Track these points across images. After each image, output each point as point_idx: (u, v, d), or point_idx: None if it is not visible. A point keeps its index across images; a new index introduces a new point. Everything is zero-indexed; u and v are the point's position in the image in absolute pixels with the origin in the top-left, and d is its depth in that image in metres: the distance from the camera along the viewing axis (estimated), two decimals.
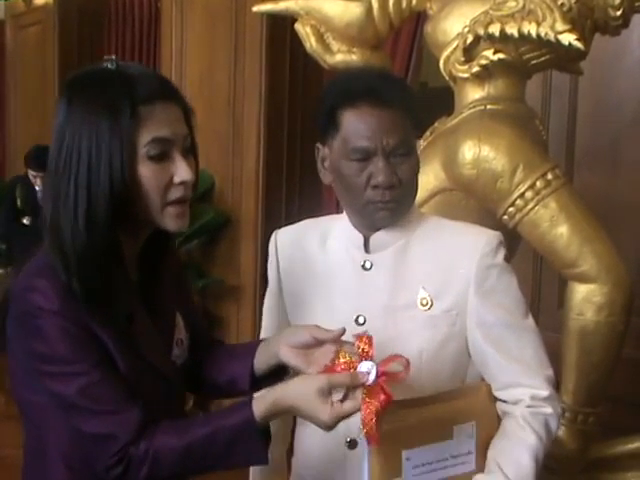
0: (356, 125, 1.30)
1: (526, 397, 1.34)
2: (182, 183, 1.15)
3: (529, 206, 1.87)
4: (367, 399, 1.13)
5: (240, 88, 3.76)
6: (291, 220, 4.12)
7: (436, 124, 2.09)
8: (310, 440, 1.45)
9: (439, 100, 3.77)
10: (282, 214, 3.79)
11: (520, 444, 1.33)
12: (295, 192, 3.81)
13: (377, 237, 1.38)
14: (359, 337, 1.16)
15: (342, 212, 1.45)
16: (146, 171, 1.13)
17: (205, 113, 3.99)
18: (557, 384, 1.42)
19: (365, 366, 1.14)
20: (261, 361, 1.30)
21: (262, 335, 1.53)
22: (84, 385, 1.12)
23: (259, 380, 1.30)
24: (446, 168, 1.94)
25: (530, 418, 1.34)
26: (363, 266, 1.39)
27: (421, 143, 2.09)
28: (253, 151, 3.73)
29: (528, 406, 1.34)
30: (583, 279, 1.88)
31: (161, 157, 1.14)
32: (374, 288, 1.38)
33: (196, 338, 1.35)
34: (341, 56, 2.11)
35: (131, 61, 4.81)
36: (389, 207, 1.33)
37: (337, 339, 1.20)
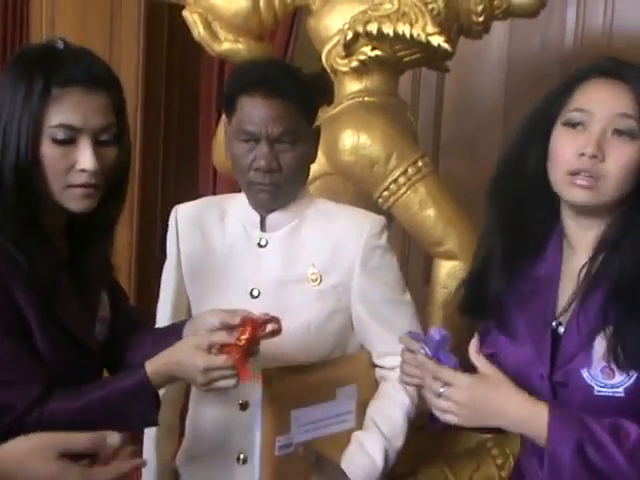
0: (247, 111, 1.42)
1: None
2: (83, 171, 1.17)
3: (401, 190, 2.03)
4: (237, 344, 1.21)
5: (115, 64, 3.70)
6: (167, 205, 4.13)
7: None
8: (204, 402, 1.54)
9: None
10: (158, 199, 3.80)
11: (394, 404, 1.49)
12: (171, 178, 3.81)
13: (272, 217, 1.50)
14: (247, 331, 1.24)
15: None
16: (49, 152, 1.16)
17: None
18: None
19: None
20: None
21: (159, 307, 1.60)
22: None
23: None
24: (327, 154, 2.06)
25: None
26: (259, 244, 1.50)
27: None
28: (130, 134, 3.72)
29: None
30: (448, 256, 2.06)
31: (67, 142, 1.16)
32: (269, 264, 1.49)
33: (120, 318, 1.39)
34: (228, 44, 2.18)
35: None
36: (268, 190, 1.44)
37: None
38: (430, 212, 2.04)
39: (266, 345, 1.44)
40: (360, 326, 1.52)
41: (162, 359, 1.25)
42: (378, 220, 1.53)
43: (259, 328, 1.25)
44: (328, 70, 2.11)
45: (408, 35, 1.95)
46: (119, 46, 3.68)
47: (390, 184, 2.03)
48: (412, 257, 2.95)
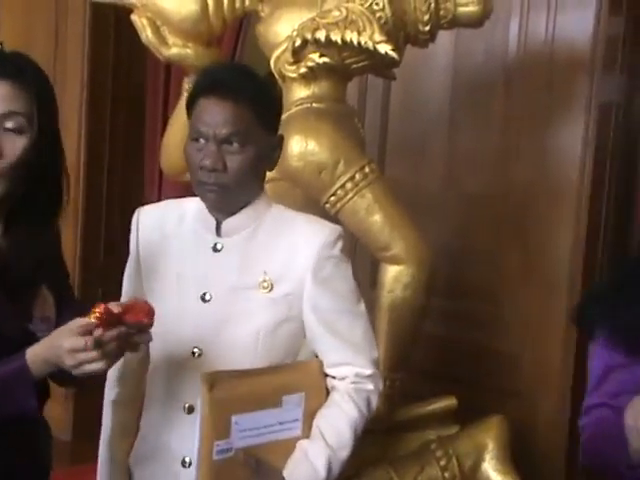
0: (200, 111, 1.44)
1: (351, 374, 1.48)
2: None
3: (348, 196, 2.05)
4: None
5: (61, 75, 3.66)
6: (111, 206, 4.09)
7: None
8: (152, 404, 1.56)
9: None
10: (103, 201, 3.76)
11: (342, 415, 1.48)
12: (116, 181, 3.78)
13: (229, 222, 1.50)
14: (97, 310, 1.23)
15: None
16: None
17: None
18: None
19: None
20: None
21: (122, 300, 1.60)
22: None
23: None
24: None
25: (353, 393, 1.48)
26: (214, 248, 1.50)
27: None
28: (74, 139, 3.66)
29: (352, 382, 1.48)
30: (393, 261, 2.09)
31: None
32: (222, 269, 1.49)
33: (65, 318, 1.36)
34: (176, 49, 2.18)
35: None
36: (214, 190, 1.44)
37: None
38: (377, 217, 2.07)
39: (214, 351, 1.46)
40: (311, 335, 1.52)
41: (42, 344, 1.25)
42: (333, 230, 1.52)
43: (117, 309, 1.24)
44: (276, 76, 2.13)
45: (356, 42, 1.97)
46: (64, 48, 3.64)
47: (337, 190, 2.06)
48: (359, 261, 2.98)
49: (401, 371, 2.20)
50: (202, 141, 1.44)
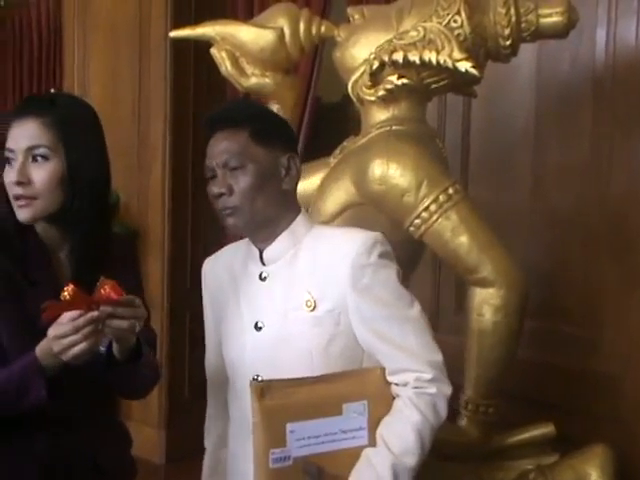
0: (206, 151, 1.53)
1: (411, 380, 1.46)
2: (11, 183, 1.45)
3: (433, 218, 2.00)
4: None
5: (145, 105, 3.78)
6: (197, 234, 4.18)
7: (345, 143, 2.22)
8: (231, 435, 1.64)
9: (332, 114, 3.95)
10: (188, 228, 3.85)
11: (404, 420, 1.46)
12: (202, 206, 3.85)
13: (269, 250, 1.55)
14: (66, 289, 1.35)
15: None
16: (2, 171, 1.47)
17: (109, 129, 3.97)
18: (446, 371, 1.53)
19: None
20: None
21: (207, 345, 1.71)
22: None
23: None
24: (356, 184, 2.07)
25: (415, 398, 1.46)
26: (260, 277, 1.55)
27: (331, 160, 2.23)
28: (158, 166, 3.76)
29: (414, 387, 1.46)
30: (483, 284, 2.03)
31: (8, 162, 1.46)
32: (269, 296, 1.54)
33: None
34: (255, 79, 2.21)
35: (30, 80, 4.74)
36: (227, 213, 1.50)
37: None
38: (463, 239, 2.02)
39: (272, 376, 1.48)
40: (366, 346, 1.52)
41: (46, 339, 1.38)
42: (367, 237, 1.51)
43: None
44: (354, 100, 2.11)
45: (435, 62, 1.94)
46: (148, 83, 3.75)
47: (421, 212, 2.01)
48: (442, 286, 2.92)
49: (495, 397, 2.13)
50: (212, 175, 1.51)
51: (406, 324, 1.49)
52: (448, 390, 1.50)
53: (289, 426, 1.40)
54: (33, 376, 1.39)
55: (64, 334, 1.33)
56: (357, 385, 1.47)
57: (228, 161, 1.48)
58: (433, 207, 2.01)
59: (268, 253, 1.55)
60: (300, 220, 1.56)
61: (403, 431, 1.45)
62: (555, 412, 2.37)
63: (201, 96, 3.78)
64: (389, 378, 1.50)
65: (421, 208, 2.01)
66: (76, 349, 1.33)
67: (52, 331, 1.35)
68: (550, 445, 2.21)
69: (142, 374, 1.52)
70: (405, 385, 1.47)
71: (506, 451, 2.21)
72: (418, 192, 2.01)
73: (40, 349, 1.39)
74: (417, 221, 2.03)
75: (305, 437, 1.41)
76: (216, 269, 1.66)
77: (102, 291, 1.34)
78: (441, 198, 2.01)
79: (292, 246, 1.53)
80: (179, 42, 3.45)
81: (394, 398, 1.49)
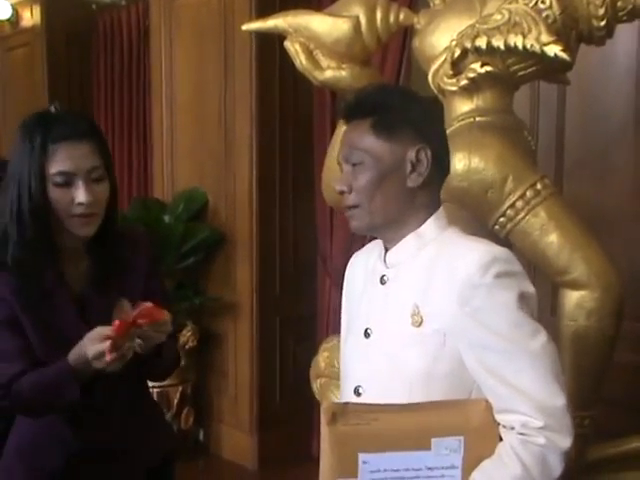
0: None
1: (517, 424, 1.28)
2: (81, 204, 1.53)
3: (520, 215, 1.89)
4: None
5: (231, 105, 3.77)
6: (285, 236, 4.12)
7: None
8: None
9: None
10: (276, 230, 3.81)
11: (502, 471, 1.28)
12: (289, 208, 3.82)
13: (392, 252, 1.42)
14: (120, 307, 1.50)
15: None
16: (53, 194, 1.54)
17: (196, 132, 4.01)
18: None
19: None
20: None
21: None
22: None
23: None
24: None
25: (519, 447, 1.27)
26: (381, 279, 1.43)
27: None
28: (246, 168, 3.74)
29: (519, 433, 1.28)
30: (575, 286, 1.89)
31: (65, 184, 1.53)
32: (383, 303, 1.41)
33: None
34: (331, 72, 2.12)
35: (120, 81, 4.85)
36: (349, 214, 1.41)
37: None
38: (553, 238, 1.89)
39: (373, 389, 1.38)
40: (474, 375, 1.33)
41: (78, 346, 1.49)
42: (485, 253, 1.31)
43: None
44: (435, 91, 2.00)
45: (521, 47, 1.82)
46: (233, 76, 3.74)
47: (507, 209, 1.90)
48: (538, 286, 2.75)
49: (590, 409, 1.98)
50: (340, 169, 1.42)
51: (521, 359, 1.27)
52: (564, 443, 1.27)
53: (361, 456, 1.28)
54: (66, 380, 1.50)
55: (98, 352, 1.44)
56: (453, 418, 1.30)
57: (349, 156, 1.39)
58: (519, 204, 1.90)
59: (391, 255, 1.42)
60: (432, 222, 1.39)
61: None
62: None
63: (287, 95, 3.74)
64: (495, 416, 1.31)
65: (507, 205, 1.90)
66: (112, 367, 1.46)
67: (90, 351, 1.45)
68: None
69: (160, 364, 1.65)
70: (511, 429, 1.28)
71: (605, 463, 2.07)
72: (503, 188, 1.90)
73: (73, 354, 1.49)
74: (502, 219, 1.92)
75: (381, 469, 1.29)
76: (355, 264, 1.56)
77: (141, 315, 1.45)
78: (528, 194, 1.89)
79: (416, 250, 1.38)
80: (265, 42, 3.45)
81: (501, 438, 1.31)
